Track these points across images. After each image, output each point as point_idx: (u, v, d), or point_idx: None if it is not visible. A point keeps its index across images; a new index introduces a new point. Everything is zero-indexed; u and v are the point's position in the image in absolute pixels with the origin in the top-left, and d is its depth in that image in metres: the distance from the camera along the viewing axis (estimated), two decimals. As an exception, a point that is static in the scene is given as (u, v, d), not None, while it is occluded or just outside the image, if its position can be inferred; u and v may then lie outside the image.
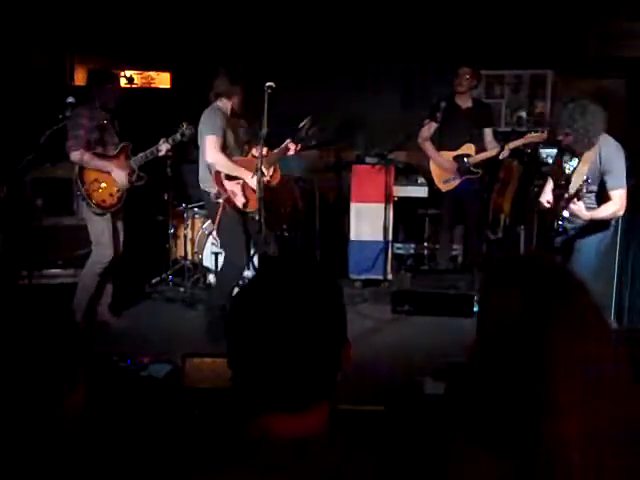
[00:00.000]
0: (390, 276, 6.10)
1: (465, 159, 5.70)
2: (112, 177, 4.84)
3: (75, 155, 4.71)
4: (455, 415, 1.21)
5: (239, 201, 4.64)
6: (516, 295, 1.16)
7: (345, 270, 6.20)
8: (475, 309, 5.13)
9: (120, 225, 5.05)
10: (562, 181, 4.10)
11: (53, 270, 5.68)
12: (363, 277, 6.15)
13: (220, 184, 4.61)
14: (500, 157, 5.62)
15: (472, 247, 5.95)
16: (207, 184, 4.69)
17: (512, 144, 5.53)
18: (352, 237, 6.17)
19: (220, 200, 4.62)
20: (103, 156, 4.83)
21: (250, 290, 1.18)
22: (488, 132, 5.80)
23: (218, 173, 4.60)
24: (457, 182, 5.77)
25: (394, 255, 6.39)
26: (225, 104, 4.70)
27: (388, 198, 6.06)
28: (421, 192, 6.42)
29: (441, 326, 5.05)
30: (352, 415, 3.28)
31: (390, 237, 6.16)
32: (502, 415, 1.12)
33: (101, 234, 4.84)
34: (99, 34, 6.70)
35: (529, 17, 6.53)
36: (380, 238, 6.09)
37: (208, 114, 4.63)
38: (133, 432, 2.64)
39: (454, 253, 6.50)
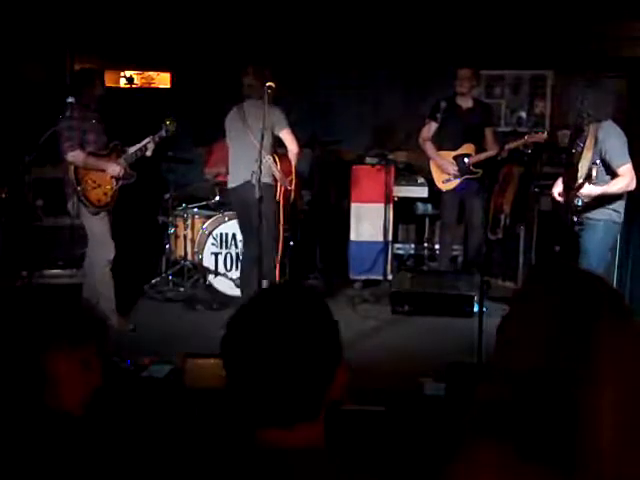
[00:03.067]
0: (390, 276, 6.09)
1: (465, 159, 5.70)
2: (106, 176, 4.87)
3: (73, 156, 4.71)
4: (463, 416, 1.20)
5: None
6: (556, 303, 1.15)
7: (345, 270, 6.21)
8: (475, 309, 5.12)
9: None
10: (570, 169, 4.27)
11: (53, 270, 5.68)
12: (363, 277, 6.15)
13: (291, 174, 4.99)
14: (499, 157, 5.61)
15: (472, 247, 5.94)
16: (265, 176, 4.74)
17: (511, 145, 5.54)
18: (352, 237, 6.17)
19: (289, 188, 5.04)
20: (96, 155, 4.85)
21: (246, 313, 1.23)
22: (489, 132, 5.80)
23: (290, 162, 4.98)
24: (457, 182, 5.77)
25: (394, 255, 6.39)
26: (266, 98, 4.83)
27: (388, 198, 6.06)
28: (421, 192, 6.42)
29: (441, 326, 5.05)
30: (353, 415, 3.28)
31: (390, 237, 6.16)
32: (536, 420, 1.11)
33: (103, 234, 4.87)
34: (99, 34, 6.70)
35: (529, 17, 6.53)
36: (380, 238, 6.09)
37: (277, 110, 4.85)
38: (134, 432, 2.64)
39: (454, 254, 6.50)
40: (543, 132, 5.52)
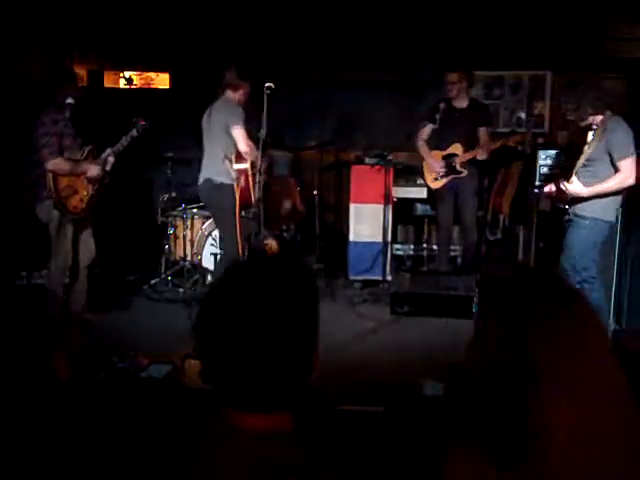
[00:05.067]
0: (389, 277, 6.10)
1: (452, 159, 5.76)
2: (82, 181, 4.81)
3: (54, 164, 4.65)
4: (454, 417, 1.21)
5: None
6: (506, 308, 1.16)
7: (344, 271, 6.21)
8: (474, 310, 5.12)
9: (88, 233, 5.01)
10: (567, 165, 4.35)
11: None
12: (362, 278, 6.15)
13: (245, 174, 4.89)
14: (478, 157, 5.65)
15: (470, 248, 5.95)
16: (221, 176, 4.87)
17: (488, 146, 5.60)
18: (351, 238, 6.17)
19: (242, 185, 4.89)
20: (73, 160, 4.80)
21: (222, 289, 1.17)
22: (483, 132, 5.82)
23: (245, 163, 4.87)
24: (445, 181, 5.82)
25: (393, 256, 6.40)
26: (233, 96, 4.98)
27: (387, 199, 6.07)
28: (420, 193, 6.43)
29: (440, 327, 5.05)
30: (352, 416, 3.28)
31: (389, 238, 6.16)
32: (496, 420, 1.12)
33: (64, 240, 4.81)
34: (98, 35, 6.70)
35: (528, 18, 6.54)
36: (379, 239, 6.09)
37: (234, 106, 4.90)
38: (133, 433, 2.64)
39: (453, 254, 6.50)
40: (525, 133, 5.60)
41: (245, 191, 4.92)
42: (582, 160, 4.22)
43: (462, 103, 5.79)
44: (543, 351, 1.10)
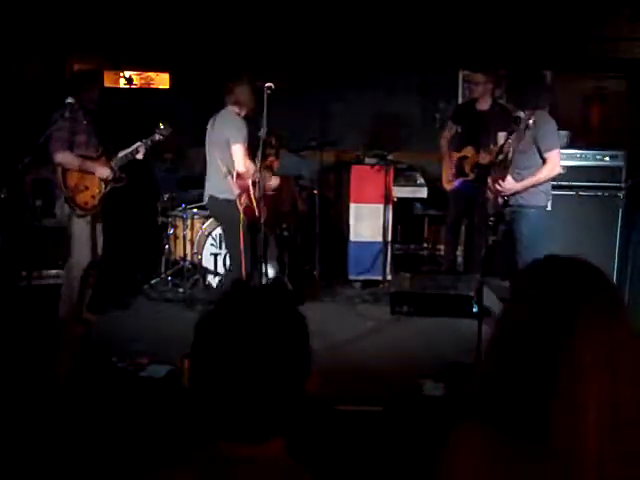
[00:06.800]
0: (389, 277, 6.10)
1: (464, 161, 5.76)
2: (94, 178, 4.83)
3: (59, 156, 4.68)
4: (458, 410, 1.22)
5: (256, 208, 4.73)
6: (542, 297, 1.16)
7: (344, 271, 6.21)
8: (474, 310, 5.12)
9: (99, 228, 5.03)
10: (499, 159, 4.40)
11: (53, 270, 5.68)
12: (362, 278, 6.15)
13: (247, 191, 4.70)
14: (481, 161, 5.64)
15: (472, 249, 5.96)
16: (225, 192, 4.76)
17: (491, 150, 5.59)
18: (351, 238, 6.17)
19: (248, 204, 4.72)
20: (86, 158, 4.81)
21: (216, 317, 1.17)
22: (502, 136, 5.70)
23: (245, 181, 4.68)
24: (455, 183, 5.83)
25: (393, 256, 6.39)
26: (241, 111, 4.81)
27: (387, 199, 6.07)
28: (420, 193, 6.43)
29: (440, 327, 5.05)
30: (351, 415, 3.28)
31: (389, 238, 6.16)
32: (522, 404, 1.13)
33: (80, 236, 4.83)
34: (98, 35, 6.70)
35: (529, 17, 6.54)
36: (379, 239, 6.09)
37: (237, 122, 4.71)
38: (133, 432, 2.64)
39: (456, 253, 6.50)
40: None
41: (248, 209, 4.77)
42: (510, 156, 4.35)
43: (484, 105, 5.75)
44: (584, 338, 1.10)
